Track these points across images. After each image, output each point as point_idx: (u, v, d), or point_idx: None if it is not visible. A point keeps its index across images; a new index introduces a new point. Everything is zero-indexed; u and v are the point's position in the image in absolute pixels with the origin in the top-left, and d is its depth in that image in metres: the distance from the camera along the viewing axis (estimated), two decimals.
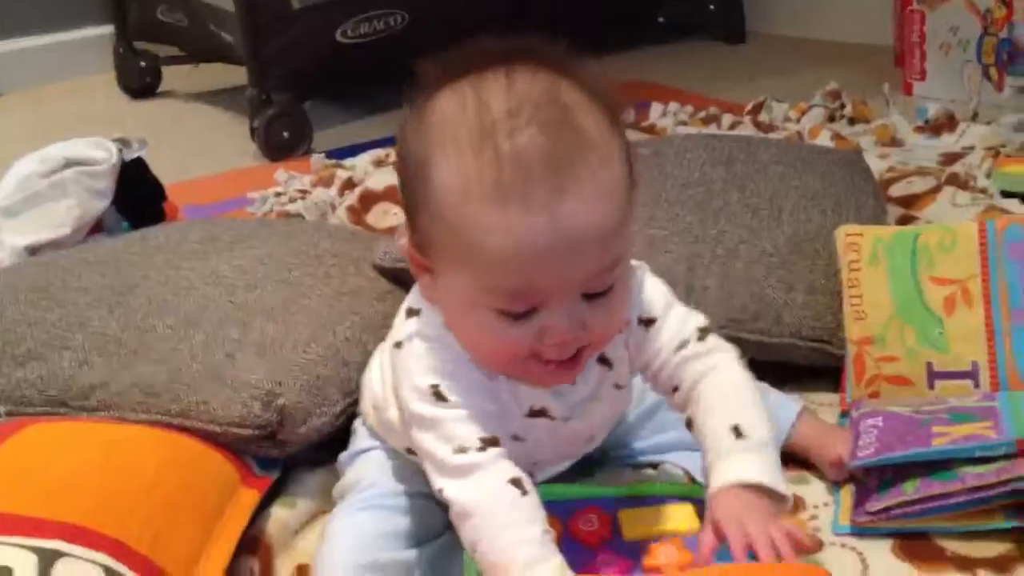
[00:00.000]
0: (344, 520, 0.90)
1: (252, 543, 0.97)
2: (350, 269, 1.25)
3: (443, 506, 0.95)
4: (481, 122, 0.73)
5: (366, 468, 0.96)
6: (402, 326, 0.87)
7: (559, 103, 0.74)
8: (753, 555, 0.74)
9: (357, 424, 1.03)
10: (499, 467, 0.79)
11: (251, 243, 1.28)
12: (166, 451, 0.96)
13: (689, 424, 0.87)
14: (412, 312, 0.87)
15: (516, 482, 0.78)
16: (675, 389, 0.89)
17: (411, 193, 0.80)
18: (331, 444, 1.08)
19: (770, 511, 0.78)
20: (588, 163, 0.73)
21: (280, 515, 1.02)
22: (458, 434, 0.80)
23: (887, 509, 0.95)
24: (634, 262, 0.88)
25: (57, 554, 0.77)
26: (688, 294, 1.17)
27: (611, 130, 0.76)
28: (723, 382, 0.87)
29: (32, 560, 0.75)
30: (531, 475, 0.88)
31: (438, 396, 0.82)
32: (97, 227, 1.70)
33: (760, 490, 0.78)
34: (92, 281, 1.19)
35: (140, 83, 2.99)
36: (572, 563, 0.76)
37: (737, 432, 0.81)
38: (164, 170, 1.85)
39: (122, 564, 0.80)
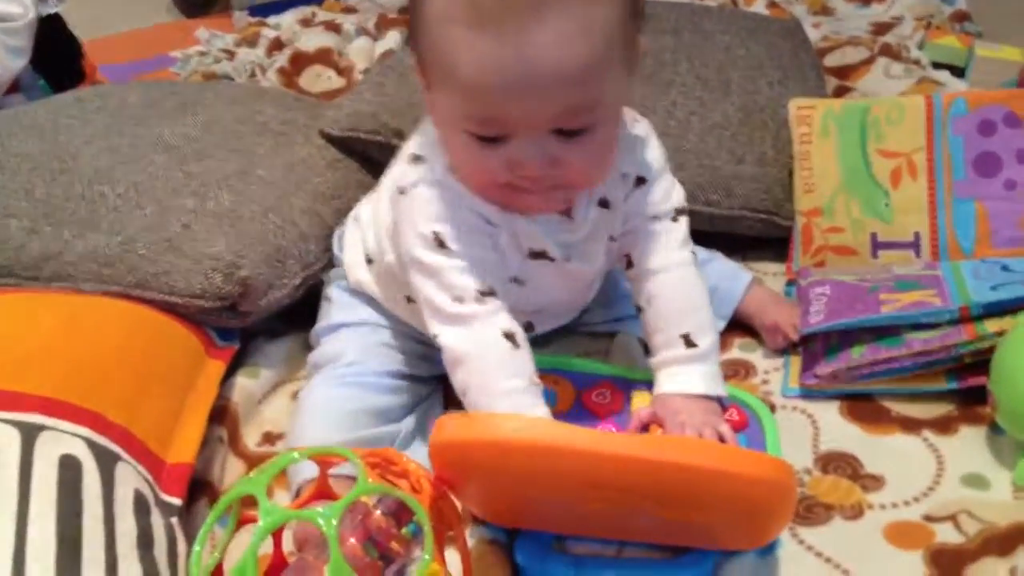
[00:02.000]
0: (324, 393, 0.90)
1: (219, 412, 0.97)
2: (298, 138, 1.23)
3: (422, 383, 0.97)
4: None
5: (346, 344, 0.96)
6: (405, 172, 0.87)
7: None
8: None
9: (332, 293, 1.03)
10: (495, 319, 0.82)
11: (194, 109, 1.24)
12: (129, 321, 0.95)
13: (638, 310, 0.92)
14: (416, 159, 0.87)
15: (509, 335, 0.81)
16: (629, 261, 0.93)
17: (412, 7, 0.80)
18: (288, 314, 1.08)
19: (707, 411, 0.86)
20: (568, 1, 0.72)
21: (245, 384, 1.02)
22: (457, 283, 0.82)
23: (835, 373, 0.99)
24: (639, 118, 0.91)
25: (39, 428, 0.76)
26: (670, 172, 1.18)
27: None
28: (677, 285, 0.91)
29: (15, 435, 0.74)
30: (531, 326, 0.92)
31: (440, 243, 0.83)
32: (13, 86, 1.63)
33: (701, 396, 0.87)
34: (31, 146, 1.15)
35: None
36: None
37: (687, 341, 0.88)
38: (75, 27, 1.77)
39: (102, 436, 0.79)
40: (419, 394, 0.97)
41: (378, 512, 0.72)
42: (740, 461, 0.71)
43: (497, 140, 0.78)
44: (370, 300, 1.00)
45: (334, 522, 0.66)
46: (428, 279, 0.83)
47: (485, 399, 0.80)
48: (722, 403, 0.89)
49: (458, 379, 0.82)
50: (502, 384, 0.80)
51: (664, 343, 0.90)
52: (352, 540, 0.69)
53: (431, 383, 1.00)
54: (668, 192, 0.93)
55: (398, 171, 0.89)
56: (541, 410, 0.80)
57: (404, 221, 0.85)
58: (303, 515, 0.68)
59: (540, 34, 0.72)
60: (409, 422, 0.93)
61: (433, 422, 0.94)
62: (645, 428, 0.87)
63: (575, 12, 0.72)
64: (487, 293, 0.82)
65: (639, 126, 0.92)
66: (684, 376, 0.88)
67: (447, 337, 0.82)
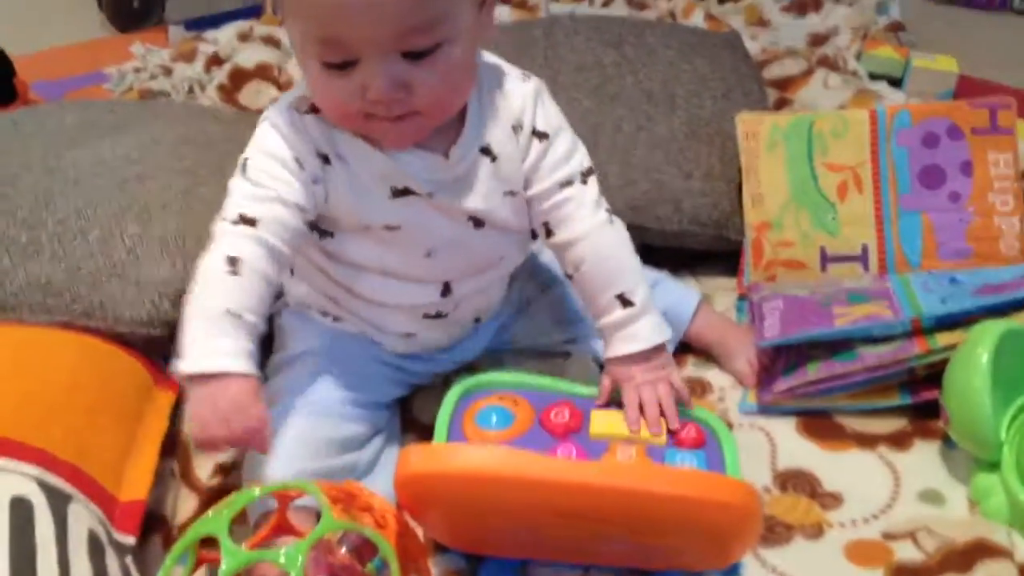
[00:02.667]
0: (283, 424, 0.89)
1: (170, 444, 0.95)
2: None
3: (381, 408, 0.96)
4: None
5: (302, 373, 0.94)
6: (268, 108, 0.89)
7: None
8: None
9: (284, 321, 1.01)
10: (229, 241, 0.82)
11: (133, 128, 1.21)
12: (77, 353, 0.92)
13: (568, 277, 0.94)
14: (274, 100, 0.89)
15: (232, 260, 0.80)
16: (549, 230, 0.93)
17: None
18: None
19: (656, 366, 0.91)
20: None
21: None
22: (229, 205, 0.84)
23: (791, 389, 1.00)
24: (529, 76, 0.93)
25: None
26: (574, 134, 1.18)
27: None
28: (600, 248, 0.92)
29: None
30: (448, 287, 0.93)
31: (243, 167, 0.85)
32: None
33: (648, 350, 0.90)
34: None
35: None
36: (533, 447, 0.78)
37: (623, 301, 0.90)
38: (5, 43, 1.72)
39: (53, 475, 0.77)
40: (378, 422, 0.96)
41: (342, 549, 0.70)
42: (706, 486, 0.71)
43: (346, 66, 0.78)
44: (320, 323, 0.99)
45: (299, 561, 0.64)
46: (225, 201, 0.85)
47: (185, 315, 0.80)
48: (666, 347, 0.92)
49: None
50: (201, 302, 0.80)
51: (602, 308, 0.92)
52: None
53: (391, 407, 0.99)
54: (571, 151, 0.93)
55: None
56: (225, 342, 0.78)
57: None
58: (267, 556, 0.67)
59: None
60: (369, 451, 0.92)
61: (393, 450, 0.94)
62: (610, 403, 0.91)
63: None
64: (246, 220, 0.82)
65: (530, 82, 0.93)
66: (628, 336, 0.91)
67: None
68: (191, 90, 1.73)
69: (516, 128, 0.91)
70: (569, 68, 1.34)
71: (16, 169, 1.12)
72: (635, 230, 1.19)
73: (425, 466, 0.72)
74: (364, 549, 0.71)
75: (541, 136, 0.91)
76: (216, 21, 2.06)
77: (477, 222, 0.92)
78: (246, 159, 0.86)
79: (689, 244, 1.22)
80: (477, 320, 1.03)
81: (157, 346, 1.00)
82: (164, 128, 1.22)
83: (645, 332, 0.91)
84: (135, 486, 0.84)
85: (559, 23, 1.47)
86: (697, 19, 1.90)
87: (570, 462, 0.78)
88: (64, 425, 0.83)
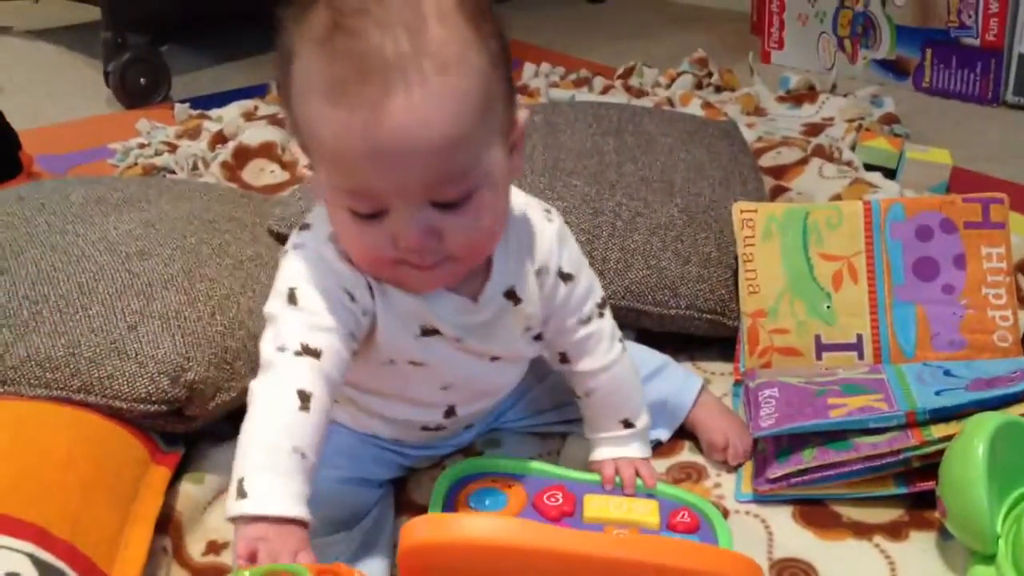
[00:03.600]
0: None
1: (163, 521, 0.95)
2: (246, 236, 1.22)
3: (374, 487, 0.96)
4: (332, 18, 0.72)
5: None
6: (291, 238, 0.87)
7: (414, 7, 0.73)
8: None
9: None
10: (298, 374, 0.77)
11: (139, 205, 1.23)
12: (74, 429, 0.92)
13: (571, 392, 1.00)
14: (305, 226, 0.86)
15: (305, 396, 0.76)
16: (564, 358, 0.97)
17: (280, 84, 0.80)
18: (234, 416, 1.06)
19: (637, 464, 0.99)
20: (422, 69, 0.71)
21: (189, 491, 1.00)
22: (285, 334, 0.79)
23: (787, 476, 1.00)
24: (552, 215, 0.93)
25: None
26: (589, 264, 1.19)
27: (471, 39, 0.74)
28: (613, 380, 0.97)
29: None
30: (453, 410, 0.93)
31: (291, 298, 0.81)
32: None
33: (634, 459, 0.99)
34: None
35: None
36: None
37: (626, 424, 0.99)
38: (10, 115, 1.75)
39: (47, 552, 0.77)
40: (369, 500, 0.96)
41: None
42: (712, 560, 0.71)
43: (376, 216, 0.77)
44: None
45: None
46: (267, 329, 0.81)
47: (245, 443, 0.75)
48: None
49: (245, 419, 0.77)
50: (268, 436, 0.75)
51: (603, 427, 0.99)
52: None
53: (383, 487, 0.99)
54: (591, 287, 0.95)
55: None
56: (290, 484, 0.73)
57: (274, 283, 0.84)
58: None
59: (395, 105, 0.71)
60: (361, 529, 0.91)
61: (384, 530, 0.94)
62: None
63: (430, 79, 0.72)
64: (310, 351, 0.78)
65: (554, 223, 0.92)
66: (620, 448, 0.99)
67: (254, 382, 0.78)
68: (195, 167, 1.75)
69: (540, 271, 0.91)
70: (569, 154, 1.36)
71: (20, 243, 1.13)
72: (633, 314, 1.22)
73: (431, 536, 0.72)
74: None
75: (567, 278, 0.92)
76: (221, 100, 2.10)
77: (494, 357, 0.93)
78: (293, 288, 0.81)
79: (687, 329, 1.23)
80: (470, 427, 1.04)
81: (155, 421, 1.00)
82: (168, 206, 1.24)
83: (640, 447, 1.00)
84: (129, 565, 0.84)
85: (559, 110, 1.50)
86: (695, 107, 1.94)
87: (580, 532, 0.78)
88: (59, 501, 0.82)
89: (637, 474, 0.98)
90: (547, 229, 0.91)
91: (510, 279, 0.89)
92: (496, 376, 0.96)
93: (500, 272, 0.88)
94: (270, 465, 0.73)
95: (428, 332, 0.87)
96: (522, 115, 0.83)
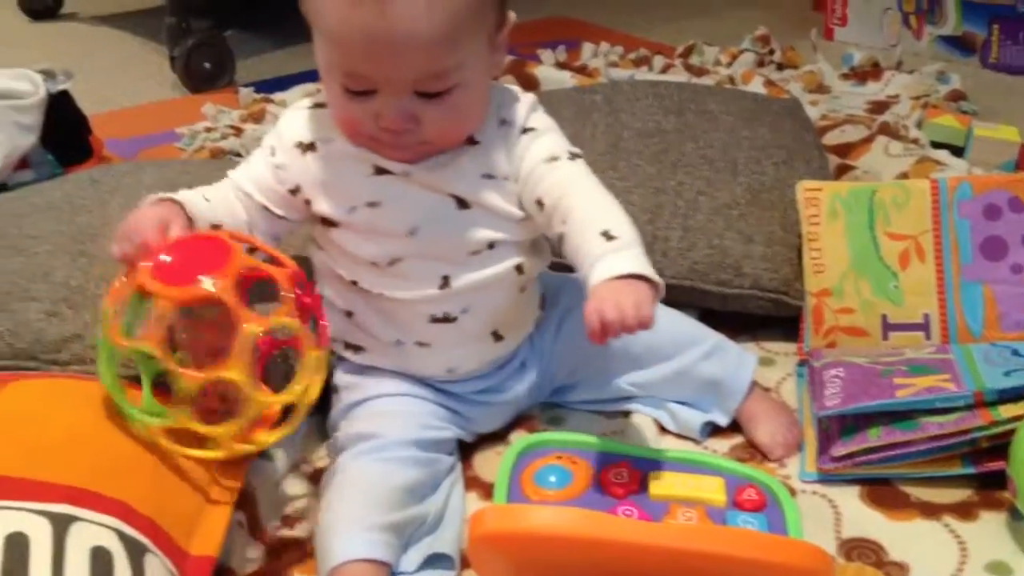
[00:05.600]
0: (357, 471, 0.91)
1: (239, 499, 0.97)
2: None
3: (442, 451, 0.99)
4: None
5: (363, 422, 0.98)
6: None
7: None
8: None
9: (338, 380, 1.03)
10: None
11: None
12: None
13: (560, 240, 0.93)
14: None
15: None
16: (540, 204, 0.95)
17: None
18: None
19: (641, 293, 0.84)
20: None
21: (263, 467, 1.02)
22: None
23: (852, 455, 1.00)
24: (528, 96, 1.00)
25: (70, 519, 0.76)
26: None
27: None
28: (584, 192, 0.94)
29: (46, 526, 0.74)
30: (447, 281, 0.96)
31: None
32: (22, 163, 1.64)
33: (632, 277, 0.85)
34: (49, 228, 1.15)
35: (42, 4, 2.86)
36: (593, 508, 0.79)
37: (607, 236, 0.88)
38: (79, 100, 1.78)
39: (129, 526, 0.79)
40: (441, 469, 0.97)
41: None
42: (782, 550, 0.72)
43: (364, 94, 0.87)
44: (371, 371, 1.02)
45: None
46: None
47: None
48: (655, 285, 0.86)
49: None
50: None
51: (589, 249, 0.88)
52: None
53: (452, 455, 1.01)
54: (558, 143, 0.98)
55: None
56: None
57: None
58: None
59: (396, 3, 0.82)
60: (436, 501, 0.94)
61: (456, 502, 0.96)
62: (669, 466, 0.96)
63: None
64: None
65: (528, 95, 1.00)
66: (607, 264, 0.86)
67: None
68: None
69: (503, 123, 0.97)
70: (631, 134, 1.36)
71: (96, 226, 1.16)
72: (696, 293, 1.23)
73: (500, 526, 0.74)
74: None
75: (528, 131, 0.97)
76: (285, 84, 2.12)
77: (461, 202, 0.96)
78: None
79: (750, 309, 1.23)
80: (498, 337, 1.02)
81: None
82: None
83: (628, 261, 0.86)
84: (207, 542, 0.86)
85: (620, 89, 1.49)
86: (756, 85, 1.92)
87: (647, 524, 0.79)
88: (142, 479, 0.85)
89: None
90: (519, 96, 0.99)
91: None
92: (470, 228, 0.96)
93: None
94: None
95: (380, 171, 0.95)
96: (511, 16, 0.93)
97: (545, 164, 0.95)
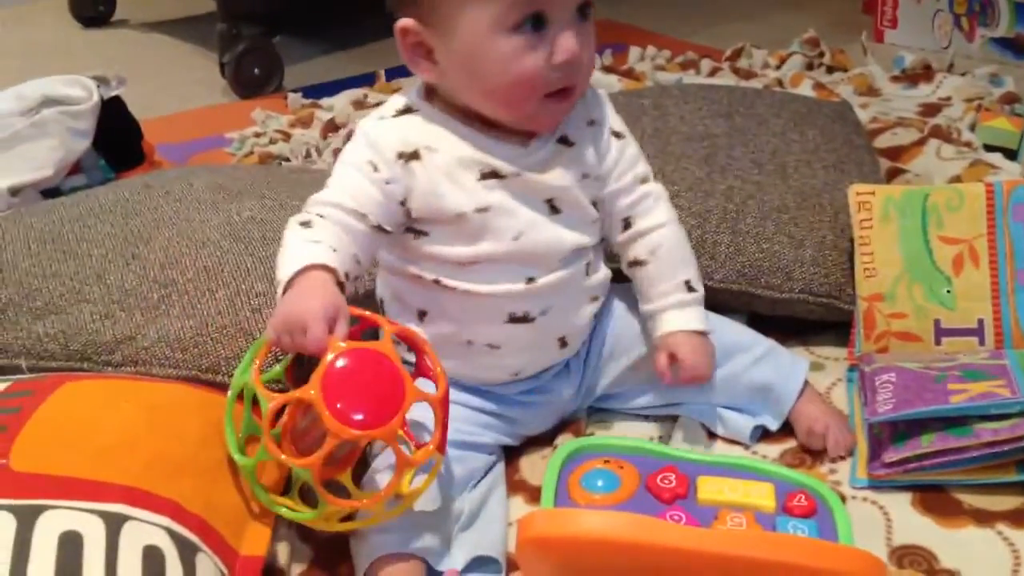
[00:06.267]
0: None
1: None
2: None
3: (484, 452, 0.98)
4: None
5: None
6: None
7: None
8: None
9: None
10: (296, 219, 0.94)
11: (259, 192, 1.26)
12: (204, 410, 0.95)
13: (636, 263, 1.05)
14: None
15: (305, 223, 0.93)
16: (628, 223, 1.04)
17: None
18: None
19: (711, 351, 1.04)
20: None
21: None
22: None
23: (904, 461, 0.99)
24: (604, 93, 1.06)
25: (123, 518, 0.77)
26: (700, 248, 1.20)
27: None
28: (675, 236, 1.06)
29: (100, 525, 0.75)
30: (533, 279, 0.98)
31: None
32: (75, 167, 1.66)
33: (701, 333, 1.04)
34: (102, 231, 1.17)
35: (94, 11, 2.90)
36: (640, 512, 0.78)
37: (688, 287, 1.04)
38: (130, 105, 1.81)
39: (181, 525, 0.80)
40: (476, 466, 0.98)
41: None
42: (833, 557, 0.71)
43: (539, 26, 0.89)
44: None
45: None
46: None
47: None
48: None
49: None
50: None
51: (668, 290, 1.03)
52: None
53: (494, 454, 1.01)
54: (639, 154, 1.06)
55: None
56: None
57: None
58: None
59: None
60: (472, 499, 0.94)
61: (497, 501, 0.96)
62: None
63: None
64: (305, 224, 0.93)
65: (602, 89, 1.07)
66: (687, 316, 1.03)
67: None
68: (308, 154, 1.79)
69: (592, 123, 1.01)
70: (679, 138, 1.35)
71: (149, 230, 1.17)
72: (745, 297, 1.22)
73: (549, 530, 0.74)
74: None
75: (618, 135, 1.03)
76: (332, 89, 2.14)
77: (553, 208, 0.98)
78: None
79: (800, 313, 1.22)
80: (564, 343, 1.03)
81: None
82: (288, 193, 1.27)
83: (700, 318, 1.04)
84: (255, 542, 0.87)
85: (668, 93, 1.49)
86: (806, 88, 1.91)
87: (695, 529, 0.79)
88: (192, 479, 0.86)
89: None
90: (599, 93, 1.04)
91: (562, 128, 0.99)
92: (562, 231, 0.99)
93: None
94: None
95: (487, 175, 0.95)
96: None
97: (638, 183, 1.04)
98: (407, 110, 0.97)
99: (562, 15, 0.89)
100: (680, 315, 1.03)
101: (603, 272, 1.06)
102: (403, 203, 0.95)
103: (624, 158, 1.03)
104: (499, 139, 0.96)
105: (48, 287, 1.10)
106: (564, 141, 0.99)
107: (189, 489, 0.84)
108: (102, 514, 0.76)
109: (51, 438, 0.83)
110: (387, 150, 0.94)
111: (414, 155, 0.94)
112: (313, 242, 0.89)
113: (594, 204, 1.02)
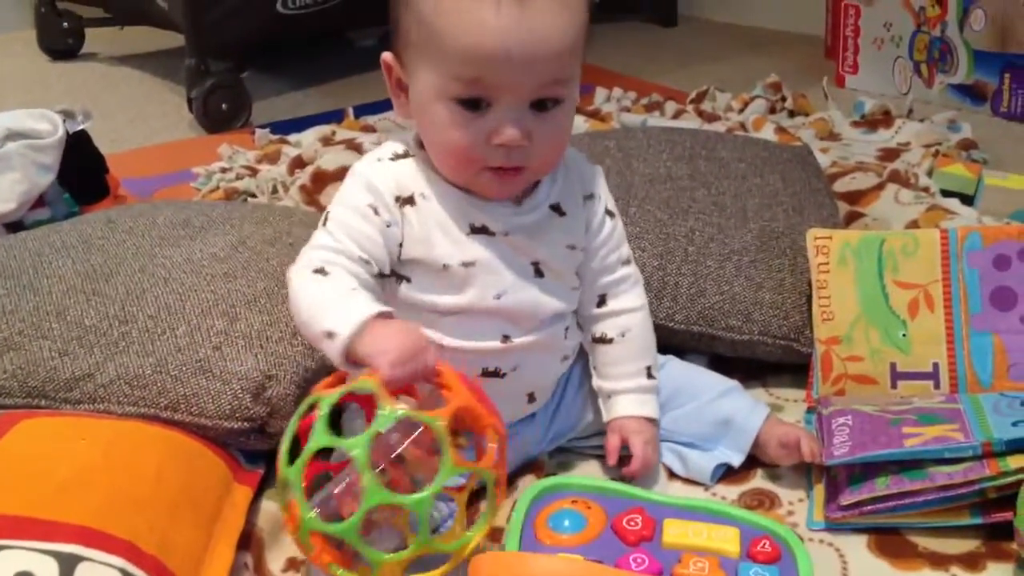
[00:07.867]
0: None
1: (244, 538, 0.97)
2: None
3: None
4: None
5: None
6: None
7: None
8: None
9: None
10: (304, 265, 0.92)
11: (223, 228, 1.27)
12: (163, 448, 0.95)
13: (603, 340, 1.06)
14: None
15: (319, 270, 0.90)
16: (602, 300, 1.06)
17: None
18: None
19: (656, 436, 1.07)
20: None
21: (269, 508, 1.02)
22: (303, 254, 0.94)
23: (860, 504, 0.99)
24: (598, 168, 1.07)
25: (76, 559, 0.76)
26: (662, 289, 1.21)
27: None
28: (643, 323, 1.08)
29: (54, 565, 0.74)
30: (508, 337, 0.98)
31: (323, 221, 0.95)
32: (39, 201, 1.66)
33: (653, 421, 1.06)
34: (64, 267, 1.17)
35: (63, 44, 2.90)
36: (605, 554, 0.79)
37: (648, 374, 1.07)
38: (96, 139, 1.81)
39: (136, 567, 0.80)
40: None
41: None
42: None
43: (479, 108, 0.88)
44: None
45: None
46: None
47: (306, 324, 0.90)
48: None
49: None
50: (314, 306, 0.89)
51: (629, 373, 1.06)
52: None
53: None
54: (624, 237, 1.08)
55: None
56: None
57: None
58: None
59: (535, 10, 0.85)
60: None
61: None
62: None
63: None
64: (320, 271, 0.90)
65: (597, 165, 1.08)
66: (644, 402, 1.06)
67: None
68: (275, 190, 1.79)
69: (587, 198, 1.03)
70: (643, 180, 1.37)
71: (111, 266, 1.17)
72: (705, 339, 1.23)
73: (498, 575, 0.73)
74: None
75: (611, 214, 1.06)
76: (300, 125, 2.14)
77: (538, 271, 0.99)
78: (327, 212, 0.95)
79: (759, 355, 1.24)
80: (532, 399, 1.04)
81: (237, 439, 1.03)
82: (252, 229, 1.27)
83: (656, 406, 1.07)
84: None
85: (632, 135, 1.51)
86: (767, 132, 1.93)
87: None
88: (149, 517, 0.85)
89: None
90: (591, 166, 1.06)
91: (556, 196, 1.00)
92: (542, 296, 0.99)
93: (546, 189, 1.00)
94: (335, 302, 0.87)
95: (477, 230, 0.96)
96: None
97: (620, 264, 1.07)
98: (404, 155, 0.97)
99: (509, 103, 0.88)
100: (637, 400, 1.05)
101: (579, 336, 1.08)
102: (400, 246, 0.95)
103: (613, 238, 1.05)
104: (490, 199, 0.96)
105: (7, 323, 1.09)
106: (557, 209, 1.00)
107: (145, 528, 0.84)
108: (56, 555, 0.75)
109: (6, 476, 0.83)
110: (386, 193, 0.94)
111: (409, 200, 0.94)
112: (352, 290, 0.89)
113: (576, 274, 1.03)
